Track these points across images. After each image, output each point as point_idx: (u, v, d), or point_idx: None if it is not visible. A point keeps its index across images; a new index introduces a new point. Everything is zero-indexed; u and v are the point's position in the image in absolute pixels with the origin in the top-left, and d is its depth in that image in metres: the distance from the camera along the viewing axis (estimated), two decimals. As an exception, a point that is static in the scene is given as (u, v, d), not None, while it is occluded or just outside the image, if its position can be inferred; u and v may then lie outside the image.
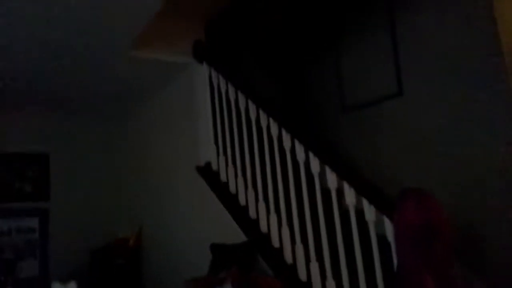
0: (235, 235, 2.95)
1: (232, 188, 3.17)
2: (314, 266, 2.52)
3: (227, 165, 3.24)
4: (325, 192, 2.57)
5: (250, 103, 3.06)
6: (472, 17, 2.81)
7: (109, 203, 4.47)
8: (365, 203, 2.29)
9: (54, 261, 4.01)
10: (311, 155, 2.62)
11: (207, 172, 3.39)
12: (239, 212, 3.06)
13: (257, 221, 2.93)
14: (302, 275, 2.58)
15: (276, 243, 2.78)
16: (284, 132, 2.80)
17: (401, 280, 1.75)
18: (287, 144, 2.78)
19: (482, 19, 2.75)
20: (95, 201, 4.41)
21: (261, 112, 2.98)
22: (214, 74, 3.39)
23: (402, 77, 3.23)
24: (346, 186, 2.40)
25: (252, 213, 2.98)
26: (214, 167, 3.35)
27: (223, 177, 3.26)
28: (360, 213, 2.34)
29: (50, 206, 4.22)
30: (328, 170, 2.52)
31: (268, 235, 2.83)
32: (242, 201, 3.07)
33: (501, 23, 2.70)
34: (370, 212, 2.26)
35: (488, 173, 2.67)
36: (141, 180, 4.38)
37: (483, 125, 2.72)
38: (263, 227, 2.88)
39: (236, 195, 3.12)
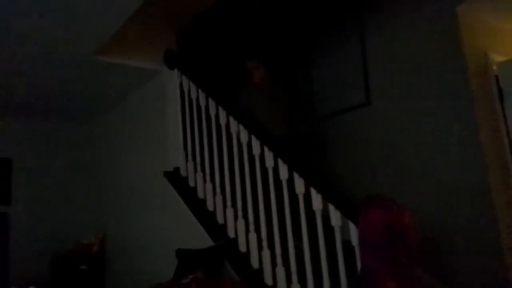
0: (202, 240, 2.96)
1: (200, 193, 3.18)
2: (280, 271, 2.56)
3: (195, 170, 3.25)
4: (293, 198, 2.61)
5: (220, 109, 3.09)
6: (438, 32, 2.95)
7: (73, 208, 4.38)
8: (331, 208, 2.35)
9: (14, 267, 3.88)
10: (280, 162, 2.67)
11: (175, 178, 3.38)
12: (206, 218, 3.07)
13: (224, 226, 2.95)
14: (268, 280, 2.61)
15: (243, 248, 2.80)
16: (253, 139, 2.84)
17: (363, 282, 1.81)
18: (256, 150, 2.82)
19: (447, 34, 2.90)
20: (58, 206, 4.31)
21: (231, 118, 3.01)
22: (185, 80, 3.41)
23: (371, 87, 3.34)
24: (313, 192, 2.46)
25: (219, 218, 3.00)
26: (183, 172, 3.35)
27: (191, 182, 3.26)
28: (327, 218, 2.39)
29: (12, 210, 4.09)
30: (296, 176, 2.57)
31: (235, 240, 2.85)
32: (210, 206, 3.08)
33: (466, 38, 2.86)
34: (336, 218, 2.32)
35: (454, 181, 2.79)
36: (108, 184, 4.32)
37: (449, 135, 2.85)
38: (231, 232, 2.90)
39: (204, 200, 3.13)
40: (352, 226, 2.22)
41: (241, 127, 2.92)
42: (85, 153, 4.62)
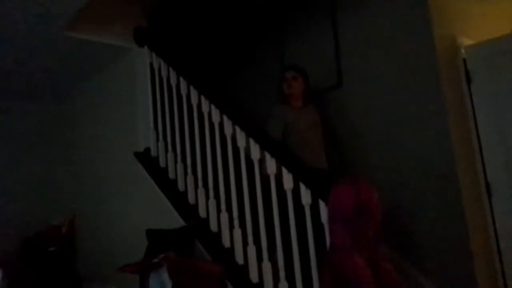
0: (174, 220, 2.94)
1: (171, 174, 3.15)
2: (251, 249, 2.58)
3: (166, 151, 3.22)
4: (265, 177, 2.62)
5: (191, 88, 3.05)
6: (408, 16, 2.98)
7: (41, 189, 4.28)
8: (302, 187, 2.37)
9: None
10: (251, 141, 2.67)
11: (145, 158, 3.34)
12: (177, 198, 3.05)
13: (196, 206, 2.94)
14: (239, 259, 2.63)
15: (214, 228, 2.80)
16: (225, 119, 2.82)
17: (332, 258, 1.84)
18: (228, 130, 2.81)
19: (417, 18, 2.93)
20: (26, 187, 4.21)
21: (202, 98, 2.98)
22: (155, 58, 3.34)
23: (342, 69, 3.36)
24: (284, 172, 2.47)
25: (191, 198, 2.99)
26: (154, 153, 3.31)
27: (162, 163, 3.23)
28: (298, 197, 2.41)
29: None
30: (267, 156, 2.58)
31: (206, 220, 2.85)
32: (181, 187, 3.06)
33: (435, 22, 2.90)
34: (306, 196, 2.35)
35: (420, 163, 2.86)
36: (77, 165, 4.24)
37: (418, 118, 2.90)
38: (202, 212, 2.89)
39: (175, 181, 3.11)
40: (322, 205, 2.25)
41: (213, 107, 2.90)
42: (54, 133, 4.50)
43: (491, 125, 2.93)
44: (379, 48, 3.15)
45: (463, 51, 3.06)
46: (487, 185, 2.88)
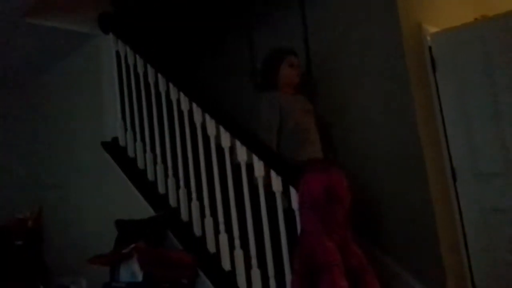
0: (144, 211, 2.90)
1: (140, 164, 3.10)
2: (223, 238, 2.57)
3: (135, 140, 3.16)
4: (236, 166, 2.62)
5: (159, 76, 3.00)
6: (376, 4, 3.01)
7: (5, 182, 4.14)
8: (273, 174, 2.37)
9: None
10: (221, 129, 2.65)
11: (113, 148, 3.28)
12: (147, 188, 3.01)
13: (166, 196, 2.91)
14: (211, 247, 2.62)
15: (185, 217, 2.79)
16: (195, 106, 2.79)
17: (303, 243, 1.86)
18: (198, 118, 2.78)
19: (384, 6, 2.96)
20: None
21: (171, 85, 2.93)
22: (121, 46, 3.26)
23: (311, 57, 3.36)
24: (255, 159, 2.47)
25: (161, 188, 2.95)
26: (122, 142, 3.25)
27: (130, 153, 3.18)
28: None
29: None
30: (238, 144, 2.57)
31: (177, 210, 2.82)
32: (151, 176, 3.02)
33: (402, 10, 2.94)
34: (277, 183, 2.35)
35: (387, 149, 2.91)
36: (43, 156, 4.11)
37: (386, 106, 2.94)
38: (173, 202, 2.87)
39: (144, 170, 3.06)
40: (293, 191, 2.26)
41: (182, 95, 2.86)
42: (17, 122, 4.34)
43: (456, 112, 3.00)
44: (346, 35, 3.17)
45: (428, 38, 3.11)
46: (453, 170, 2.96)
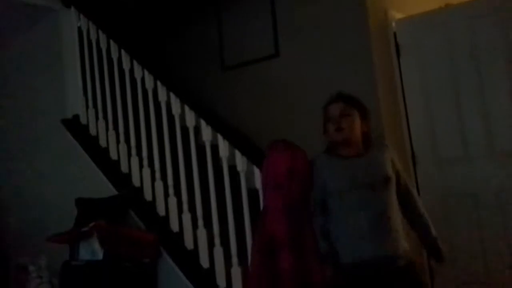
0: (106, 190, 2.85)
1: (102, 142, 3.04)
2: (187, 217, 2.56)
3: (97, 118, 3.09)
4: (200, 147, 2.60)
5: (123, 53, 2.92)
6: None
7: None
8: (237, 154, 2.37)
9: None
10: (186, 108, 2.62)
11: (74, 125, 3.19)
12: (110, 167, 2.96)
13: (129, 175, 2.86)
14: (174, 226, 2.61)
15: (148, 197, 2.75)
16: (159, 85, 2.74)
17: (264, 219, 1.88)
18: (162, 97, 2.74)
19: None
20: None
21: (135, 63, 2.87)
22: (83, 20, 3.16)
23: (279, 39, 3.36)
24: (220, 139, 2.46)
25: (124, 167, 2.90)
26: (83, 120, 3.16)
27: (92, 131, 3.10)
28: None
29: None
30: (203, 123, 2.55)
31: (140, 189, 2.79)
32: (113, 155, 2.96)
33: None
34: (241, 163, 2.36)
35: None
36: (1, 135, 3.95)
37: (348, 90, 2.97)
38: (136, 181, 2.83)
39: (107, 149, 3.00)
40: (256, 171, 2.27)
41: (146, 73, 2.81)
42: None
43: (418, 98, 3.08)
44: (314, 20, 3.18)
45: (393, 24, 3.16)
46: (413, 154, 3.04)
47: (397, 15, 3.21)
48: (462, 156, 2.94)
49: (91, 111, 3.12)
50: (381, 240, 1.78)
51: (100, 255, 2.30)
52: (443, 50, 3.02)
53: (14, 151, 3.75)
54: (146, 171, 2.79)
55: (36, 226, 3.30)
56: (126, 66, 2.91)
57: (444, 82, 3.01)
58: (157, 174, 2.72)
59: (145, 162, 2.80)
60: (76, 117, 3.19)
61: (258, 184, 2.21)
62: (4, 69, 3.93)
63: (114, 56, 2.97)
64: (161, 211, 2.68)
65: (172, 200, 2.63)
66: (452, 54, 2.99)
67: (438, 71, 3.03)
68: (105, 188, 2.86)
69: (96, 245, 2.31)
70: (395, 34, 3.16)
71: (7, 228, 3.40)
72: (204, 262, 2.46)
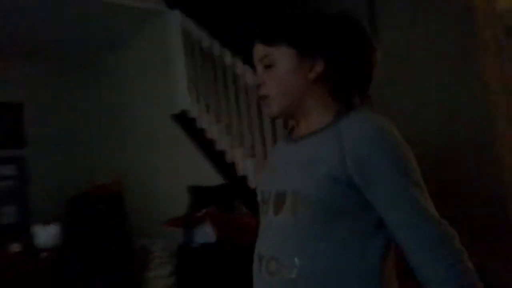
0: (213, 179, 3.08)
1: (209, 134, 3.27)
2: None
3: (204, 112, 3.32)
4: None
5: (225, 50, 3.11)
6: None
7: (86, 151, 4.49)
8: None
9: (31, 209, 4.07)
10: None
11: (183, 119, 3.46)
12: (216, 157, 3.18)
13: (234, 165, 3.06)
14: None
15: (252, 185, 2.93)
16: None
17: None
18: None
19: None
20: (71, 150, 4.42)
21: (237, 60, 3.04)
22: (187, 20, 3.39)
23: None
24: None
25: (229, 157, 3.11)
26: (192, 114, 3.42)
27: (200, 124, 3.34)
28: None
29: (26, 154, 4.23)
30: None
31: (245, 178, 2.97)
32: (219, 146, 3.18)
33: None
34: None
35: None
36: (118, 128, 4.40)
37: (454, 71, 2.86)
38: (240, 170, 3.02)
39: (213, 140, 3.23)
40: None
41: (248, 68, 2.96)
42: (93, 97, 4.65)
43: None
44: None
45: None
46: None
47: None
48: None
49: (198, 105, 3.36)
50: None
51: (212, 239, 2.50)
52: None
53: (131, 146, 4.16)
54: (250, 161, 2.96)
55: (152, 212, 3.65)
56: (227, 62, 3.09)
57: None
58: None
59: (248, 152, 2.97)
60: (184, 112, 3.46)
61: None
62: (123, 68, 4.32)
63: (217, 53, 3.16)
64: (264, 198, 2.84)
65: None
66: None
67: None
68: (213, 178, 3.09)
69: (209, 230, 2.52)
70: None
71: (129, 215, 3.76)
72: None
